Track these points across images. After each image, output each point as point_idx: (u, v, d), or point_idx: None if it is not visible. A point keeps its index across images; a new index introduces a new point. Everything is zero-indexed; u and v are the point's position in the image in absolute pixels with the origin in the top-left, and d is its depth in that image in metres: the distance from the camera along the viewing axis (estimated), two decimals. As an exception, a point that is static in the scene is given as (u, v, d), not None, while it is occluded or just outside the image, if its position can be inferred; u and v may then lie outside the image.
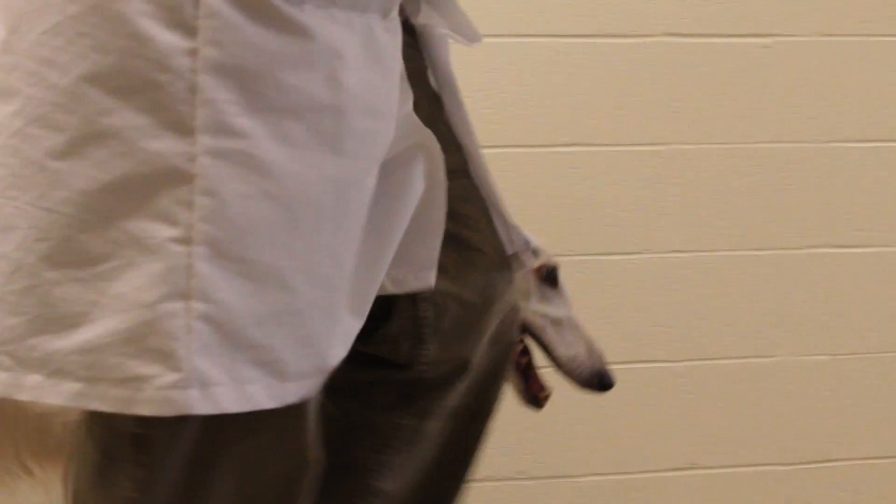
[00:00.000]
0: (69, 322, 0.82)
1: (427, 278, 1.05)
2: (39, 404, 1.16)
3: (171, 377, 0.81)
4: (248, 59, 0.83)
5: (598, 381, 1.39)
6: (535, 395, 1.42)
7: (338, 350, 0.92)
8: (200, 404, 0.82)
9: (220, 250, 0.82)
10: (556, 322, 1.38)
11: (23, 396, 0.84)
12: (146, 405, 0.81)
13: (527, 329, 1.40)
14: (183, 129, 0.81)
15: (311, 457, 0.98)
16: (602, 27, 2.03)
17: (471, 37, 1.12)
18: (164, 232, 0.81)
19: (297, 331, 0.87)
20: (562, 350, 1.38)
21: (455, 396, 1.15)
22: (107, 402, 0.82)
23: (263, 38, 0.83)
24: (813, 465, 2.18)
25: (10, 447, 1.27)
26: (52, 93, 0.82)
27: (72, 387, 0.82)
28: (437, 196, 1.05)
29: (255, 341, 0.85)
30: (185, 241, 0.81)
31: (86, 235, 0.82)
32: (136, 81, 0.81)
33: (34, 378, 0.83)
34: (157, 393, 0.81)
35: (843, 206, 2.18)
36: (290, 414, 0.90)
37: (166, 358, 0.81)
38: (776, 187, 2.14)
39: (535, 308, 1.38)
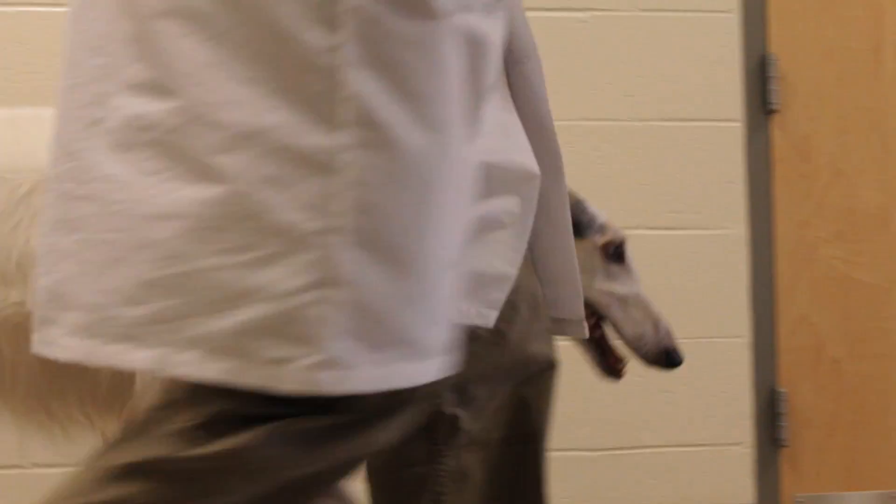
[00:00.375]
0: (221, 306, 0.86)
1: (488, 318, 1.06)
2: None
3: (313, 358, 0.85)
4: (390, 50, 0.86)
5: (666, 357, 1.39)
6: (612, 367, 1.43)
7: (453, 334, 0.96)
8: (340, 384, 0.86)
9: (364, 238, 0.86)
10: (623, 299, 1.38)
11: (172, 372, 0.87)
12: (290, 383, 0.86)
13: (592, 307, 1.37)
14: (330, 123, 0.85)
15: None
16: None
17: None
18: (308, 222, 0.85)
19: (430, 312, 0.91)
20: (628, 328, 1.38)
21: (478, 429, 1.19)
22: (253, 379, 0.86)
23: (404, 28, 0.86)
24: (622, 451, 2.13)
25: (74, 397, 1.37)
26: (212, 94, 0.86)
27: (224, 365, 0.86)
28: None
29: (394, 324, 0.88)
30: (331, 231, 0.85)
31: (238, 226, 0.86)
32: (287, 81, 0.85)
33: (190, 355, 0.86)
34: (301, 373, 0.85)
35: (660, 186, 2.13)
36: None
37: (309, 341, 0.85)
38: (588, 166, 2.09)
39: (600, 286, 1.37)
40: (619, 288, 1.39)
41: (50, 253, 0.92)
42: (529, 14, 1.09)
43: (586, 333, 1.21)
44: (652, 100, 2.11)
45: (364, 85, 0.85)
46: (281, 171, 0.85)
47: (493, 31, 0.95)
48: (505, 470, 1.21)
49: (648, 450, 2.18)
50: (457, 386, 1.12)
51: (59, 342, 0.91)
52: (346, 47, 0.85)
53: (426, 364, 0.91)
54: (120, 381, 1.35)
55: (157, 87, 0.88)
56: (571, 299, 1.20)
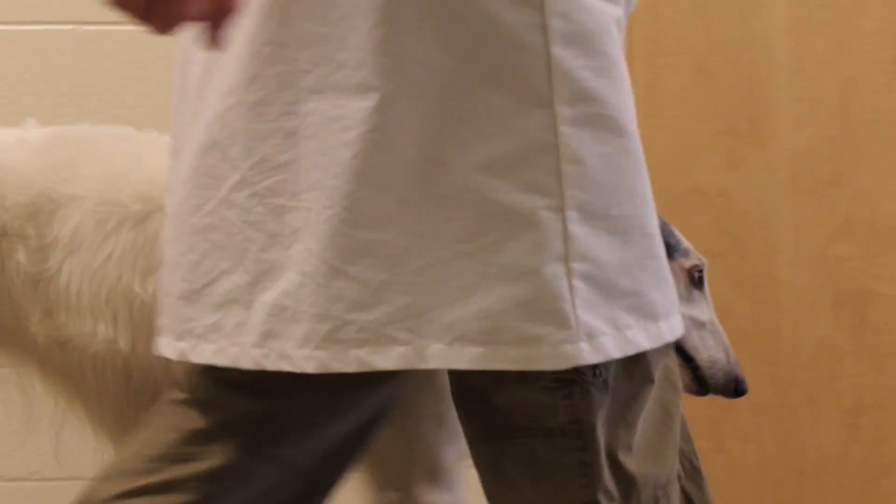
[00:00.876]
0: (463, 293, 0.87)
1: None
2: (142, 363, 1.25)
3: (563, 334, 0.87)
4: (590, 24, 0.88)
5: (735, 386, 1.38)
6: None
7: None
8: (590, 355, 0.88)
9: (589, 211, 0.88)
10: (700, 325, 1.37)
11: (426, 365, 0.88)
12: (544, 361, 0.87)
13: None
14: (543, 102, 0.87)
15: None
16: None
17: None
18: (537, 202, 0.87)
19: (658, 272, 0.94)
20: (703, 354, 1.37)
21: None
22: (507, 361, 0.87)
23: (596, 1, 0.89)
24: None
25: (123, 400, 1.32)
26: (419, 87, 0.86)
27: (474, 351, 0.87)
28: None
29: (628, 289, 0.90)
30: (558, 208, 0.87)
31: (466, 213, 0.87)
32: (496, 63, 0.87)
33: (437, 347, 0.87)
34: (552, 349, 0.87)
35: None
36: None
37: (556, 317, 0.87)
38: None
39: (682, 310, 1.31)
40: (699, 314, 1.38)
41: (272, 268, 0.91)
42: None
43: None
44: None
45: (571, 61, 0.87)
46: (502, 154, 0.87)
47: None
48: None
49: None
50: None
51: (291, 354, 0.90)
52: (551, 24, 0.86)
53: (659, 326, 0.94)
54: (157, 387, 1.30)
55: (355, 86, 0.88)
56: None
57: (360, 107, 0.87)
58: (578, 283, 0.88)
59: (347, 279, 0.88)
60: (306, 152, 0.89)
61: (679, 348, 1.35)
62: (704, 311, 1.39)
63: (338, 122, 0.88)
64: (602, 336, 0.89)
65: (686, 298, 1.36)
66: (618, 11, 0.93)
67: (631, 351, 0.91)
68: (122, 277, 1.25)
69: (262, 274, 0.91)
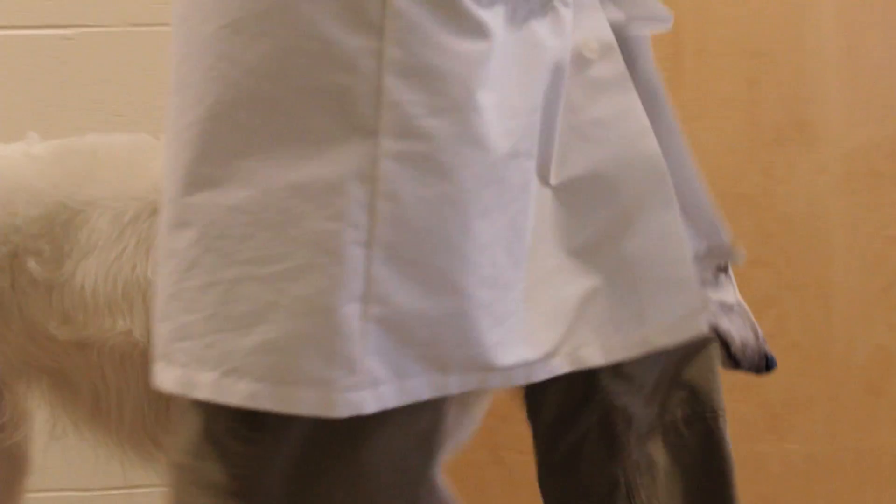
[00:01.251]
0: (247, 321, 0.81)
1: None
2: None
3: (350, 379, 0.81)
4: (433, 59, 0.82)
5: (766, 363, 1.37)
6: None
7: (517, 350, 0.90)
8: (370, 404, 0.83)
9: (397, 253, 0.82)
10: (728, 308, 1.36)
11: (196, 394, 0.82)
12: (327, 407, 0.81)
13: None
14: (367, 131, 0.81)
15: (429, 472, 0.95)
16: None
17: (662, 19, 1.07)
18: (345, 234, 0.81)
19: (465, 331, 0.87)
20: (735, 337, 1.36)
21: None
22: (286, 403, 0.81)
23: (448, 38, 0.83)
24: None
25: (144, 399, 1.30)
26: (233, 90, 0.82)
27: (248, 387, 0.80)
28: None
29: (423, 340, 0.85)
30: (365, 243, 0.81)
31: (267, 234, 0.81)
32: (321, 82, 0.81)
33: (208, 376, 0.81)
34: (338, 396, 0.81)
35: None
36: (404, 419, 0.89)
37: (346, 361, 0.81)
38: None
39: (712, 296, 1.36)
40: (726, 297, 1.37)
41: None
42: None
43: (741, 257, 1.21)
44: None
45: (403, 93, 0.81)
46: (315, 177, 0.81)
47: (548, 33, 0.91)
48: (689, 452, 1.16)
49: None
50: (615, 372, 1.08)
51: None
52: (388, 52, 0.81)
53: (448, 379, 0.87)
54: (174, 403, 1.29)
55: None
56: (709, 228, 1.16)
57: (175, 103, 0.85)
58: (372, 327, 0.82)
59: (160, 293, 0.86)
60: None
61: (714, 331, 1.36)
62: (731, 293, 1.38)
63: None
64: (384, 384, 0.83)
65: (714, 284, 1.35)
66: (482, 49, 0.85)
67: (409, 400, 0.85)
68: (136, 267, 1.24)
69: None
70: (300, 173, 0.81)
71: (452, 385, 0.88)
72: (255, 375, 0.80)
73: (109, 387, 1.29)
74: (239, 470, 0.87)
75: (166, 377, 0.84)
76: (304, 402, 0.81)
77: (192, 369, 0.82)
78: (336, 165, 0.81)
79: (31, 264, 1.24)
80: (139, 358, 1.24)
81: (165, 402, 1.26)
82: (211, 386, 0.81)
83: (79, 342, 1.25)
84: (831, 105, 2.03)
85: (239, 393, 0.81)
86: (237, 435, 0.86)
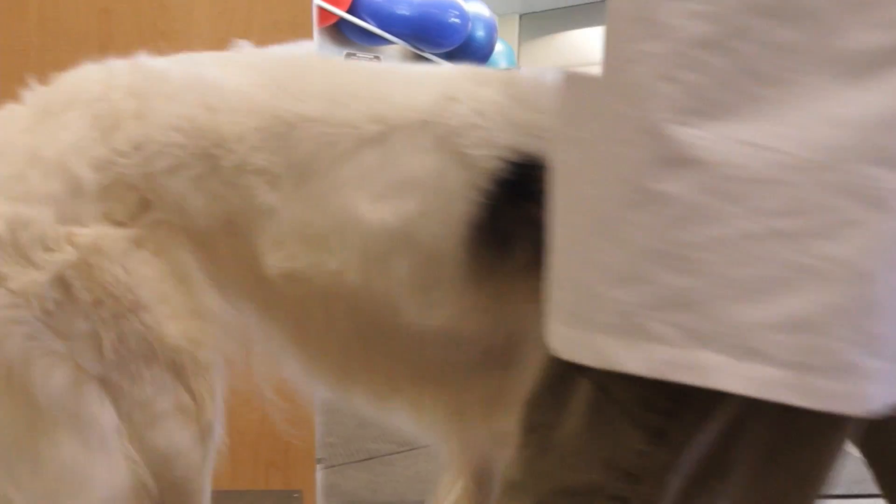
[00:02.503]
0: (767, 287, 0.67)
1: None
2: (372, 296, 1.16)
3: (873, 365, 0.67)
4: None
5: None
6: None
7: None
8: (877, 401, 0.69)
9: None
10: None
11: (689, 379, 0.69)
12: (857, 403, 0.67)
13: None
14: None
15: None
16: None
17: None
18: (890, 182, 0.66)
19: None
20: None
21: None
22: (813, 397, 0.67)
23: None
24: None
25: (384, 369, 1.24)
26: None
27: (767, 373, 0.67)
28: None
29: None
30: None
31: (798, 177, 0.67)
32: None
33: (711, 357, 0.67)
34: (866, 387, 0.67)
35: None
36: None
37: (875, 344, 0.67)
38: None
39: None
40: None
41: None
42: None
43: None
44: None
45: None
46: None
47: None
48: None
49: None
50: None
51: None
52: None
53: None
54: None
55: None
56: None
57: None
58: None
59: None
60: None
61: None
62: None
63: None
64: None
65: None
66: None
67: None
68: (353, 205, 1.14)
69: None
70: (843, 105, 0.67)
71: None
72: (777, 359, 0.66)
73: (316, 323, 1.21)
74: (652, 447, 0.75)
75: (633, 356, 0.70)
76: (833, 398, 0.67)
77: (687, 347, 0.68)
78: (887, 96, 0.67)
79: (253, 180, 1.15)
80: (349, 298, 1.16)
81: (373, 336, 1.18)
82: (714, 369, 0.67)
83: (287, 274, 1.17)
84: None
85: (754, 380, 0.67)
86: (653, 406, 0.74)
